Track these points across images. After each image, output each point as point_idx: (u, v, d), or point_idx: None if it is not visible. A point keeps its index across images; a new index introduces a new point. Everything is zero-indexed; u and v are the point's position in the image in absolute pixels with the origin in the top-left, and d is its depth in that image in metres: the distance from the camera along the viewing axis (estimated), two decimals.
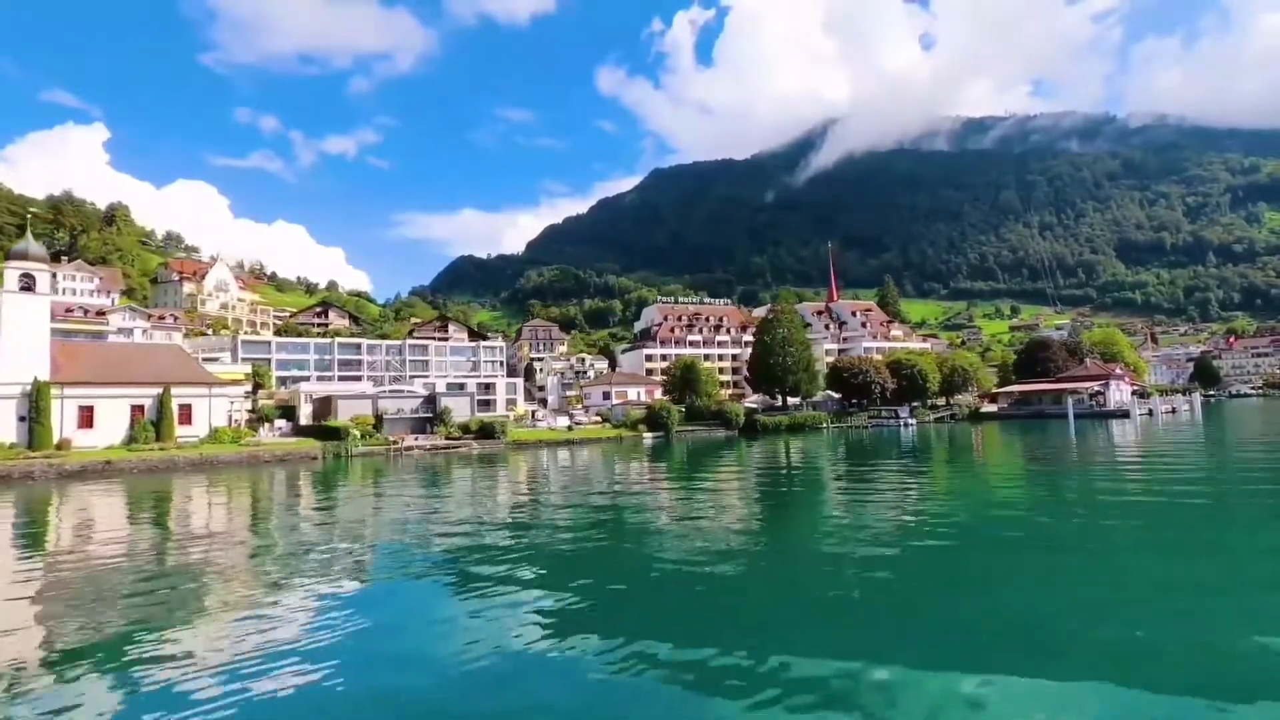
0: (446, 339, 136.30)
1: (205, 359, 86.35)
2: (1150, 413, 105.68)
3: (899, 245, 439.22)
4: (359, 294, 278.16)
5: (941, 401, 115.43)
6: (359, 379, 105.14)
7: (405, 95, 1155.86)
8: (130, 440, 62.70)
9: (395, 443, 74.00)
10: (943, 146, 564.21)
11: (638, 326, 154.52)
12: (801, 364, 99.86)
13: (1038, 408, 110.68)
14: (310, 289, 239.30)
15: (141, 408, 64.60)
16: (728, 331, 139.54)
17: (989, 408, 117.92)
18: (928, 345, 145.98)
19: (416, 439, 78.40)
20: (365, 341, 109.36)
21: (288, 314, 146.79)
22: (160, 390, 64.77)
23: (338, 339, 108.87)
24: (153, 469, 57.52)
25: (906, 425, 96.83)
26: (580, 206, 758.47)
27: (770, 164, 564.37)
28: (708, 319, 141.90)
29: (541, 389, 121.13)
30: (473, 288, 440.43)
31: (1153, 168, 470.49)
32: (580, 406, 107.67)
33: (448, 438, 78.83)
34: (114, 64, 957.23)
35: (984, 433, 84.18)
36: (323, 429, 73.57)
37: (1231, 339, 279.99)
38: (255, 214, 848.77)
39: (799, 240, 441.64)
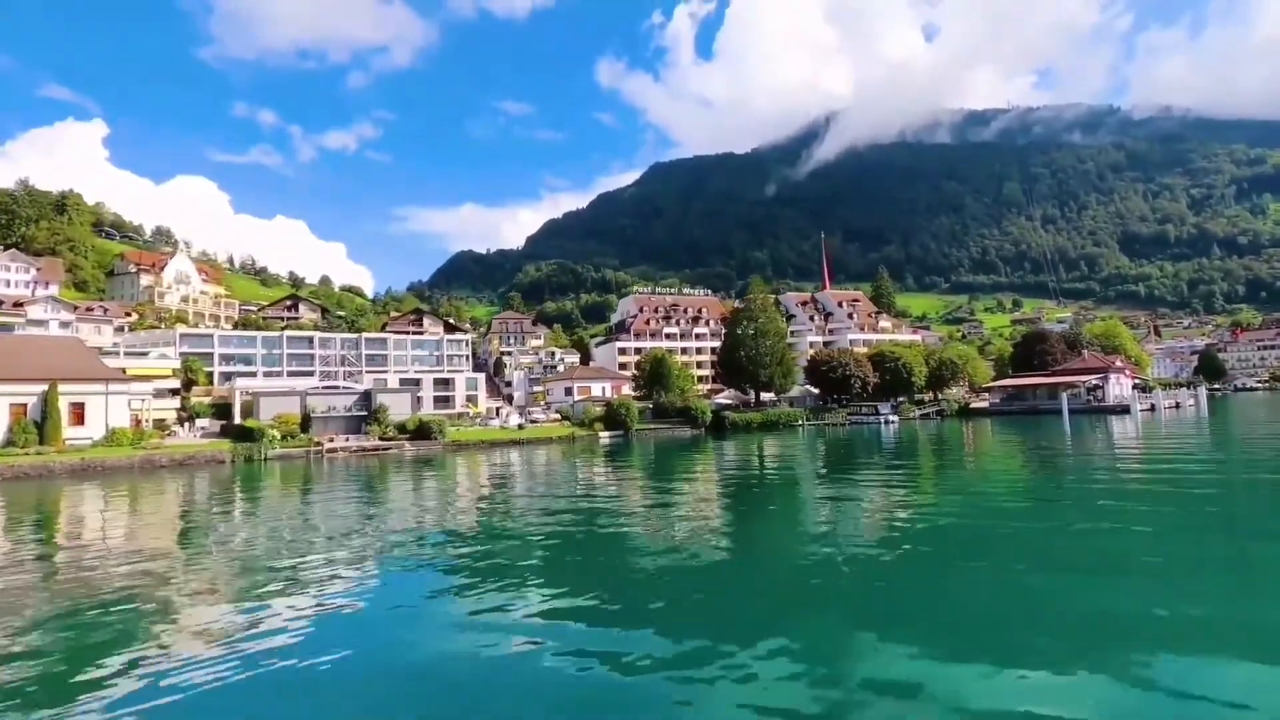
0: (421, 332, 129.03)
1: (130, 353, 79.31)
2: (1152, 408, 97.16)
3: (900, 238, 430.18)
4: (350, 288, 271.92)
5: (929, 397, 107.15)
6: (311, 374, 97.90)
7: (404, 89, 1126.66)
8: (8, 443, 55.51)
9: (318, 444, 66.70)
10: (945, 138, 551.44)
11: (614, 319, 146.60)
12: (775, 357, 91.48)
13: (1031, 403, 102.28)
14: (298, 283, 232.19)
15: (24, 407, 57.36)
16: (707, 324, 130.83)
17: (980, 403, 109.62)
18: (918, 337, 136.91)
19: (348, 439, 71.16)
20: (318, 335, 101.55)
21: (256, 308, 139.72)
22: (45, 387, 57.48)
23: (286, 332, 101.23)
24: (22, 476, 50.36)
25: (888, 423, 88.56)
26: (580, 201, 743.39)
27: (771, 157, 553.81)
28: (686, 310, 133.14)
29: (509, 385, 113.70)
30: (471, 282, 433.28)
31: (1157, 159, 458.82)
32: (543, 403, 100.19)
33: (382, 438, 71.46)
34: (112, 59, 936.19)
35: (974, 431, 76.20)
36: (241, 429, 66.29)
37: (1237, 331, 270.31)
38: (255, 209, 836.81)
39: (799, 234, 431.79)
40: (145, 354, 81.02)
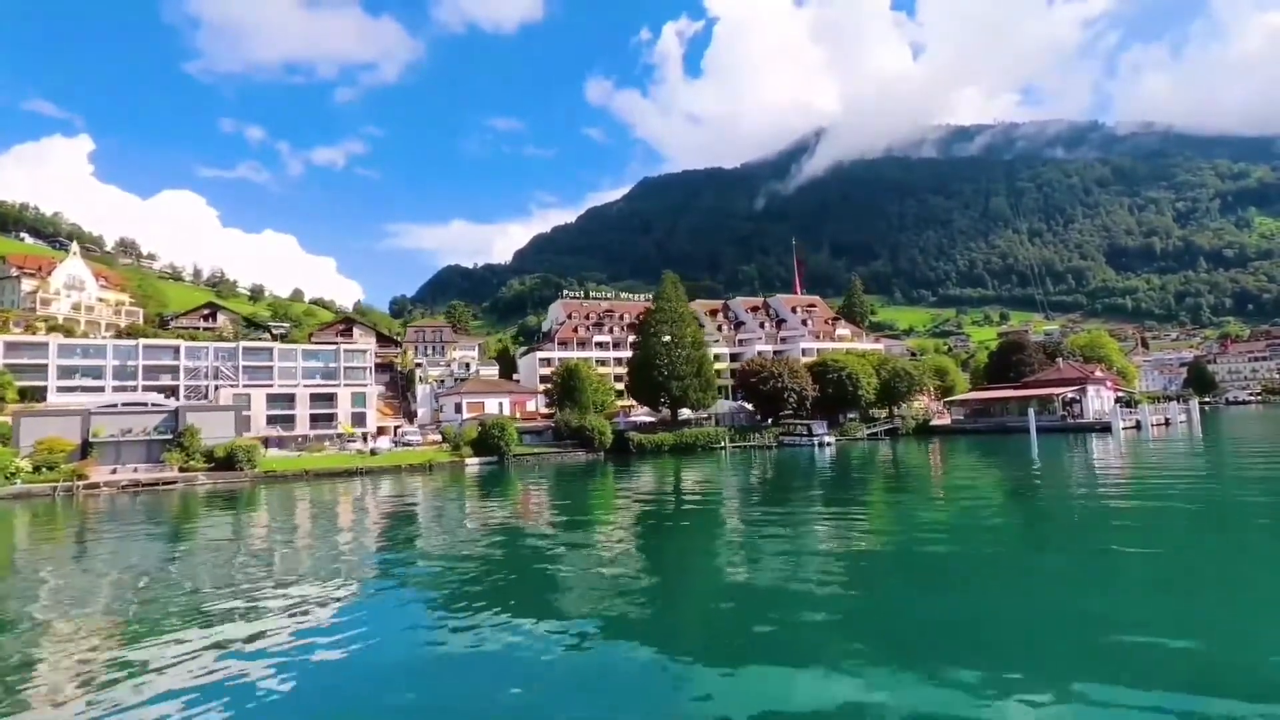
0: (351, 342, 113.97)
1: None
2: (1138, 425, 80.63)
3: (889, 252, 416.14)
4: (319, 302, 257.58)
5: (885, 413, 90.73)
6: (175, 388, 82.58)
7: (392, 105, 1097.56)
8: None
9: (78, 477, 50.91)
10: (931, 153, 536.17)
11: (544, 326, 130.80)
12: (691, 368, 74.92)
13: (999, 419, 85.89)
14: (255, 296, 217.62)
15: None
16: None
17: (942, 420, 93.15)
18: (879, 346, 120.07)
19: (135, 470, 55.47)
20: (183, 344, 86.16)
21: (170, 317, 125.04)
22: None
23: (143, 340, 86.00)
24: None
25: (823, 445, 72.03)
26: (570, 216, 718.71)
27: (760, 172, 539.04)
28: (621, 317, 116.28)
29: (417, 400, 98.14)
30: (458, 297, 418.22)
31: (1141, 174, 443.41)
32: (434, 422, 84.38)
33: (182, 468, 55.72)
34: (97, 74, 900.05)
35: (924, 456, 60.22)
36: None
37: (1226, 343, 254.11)
38: (244, 224, 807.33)
39: (788, 248, 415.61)
40: None
